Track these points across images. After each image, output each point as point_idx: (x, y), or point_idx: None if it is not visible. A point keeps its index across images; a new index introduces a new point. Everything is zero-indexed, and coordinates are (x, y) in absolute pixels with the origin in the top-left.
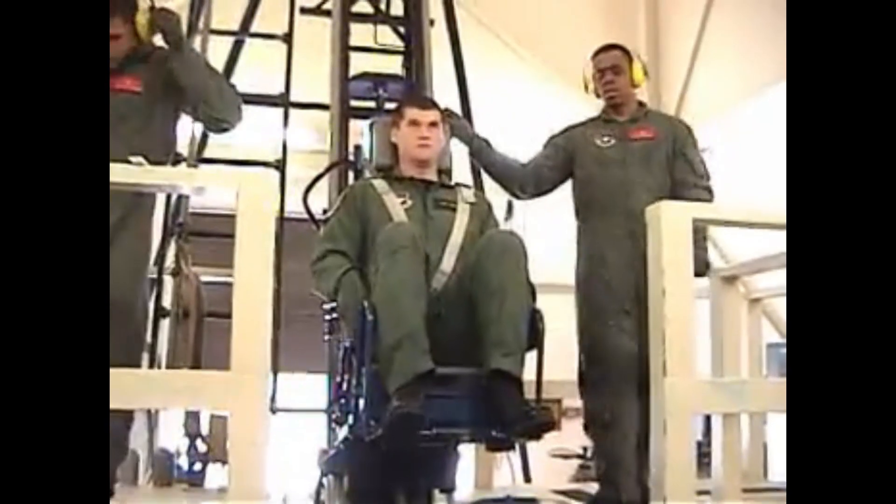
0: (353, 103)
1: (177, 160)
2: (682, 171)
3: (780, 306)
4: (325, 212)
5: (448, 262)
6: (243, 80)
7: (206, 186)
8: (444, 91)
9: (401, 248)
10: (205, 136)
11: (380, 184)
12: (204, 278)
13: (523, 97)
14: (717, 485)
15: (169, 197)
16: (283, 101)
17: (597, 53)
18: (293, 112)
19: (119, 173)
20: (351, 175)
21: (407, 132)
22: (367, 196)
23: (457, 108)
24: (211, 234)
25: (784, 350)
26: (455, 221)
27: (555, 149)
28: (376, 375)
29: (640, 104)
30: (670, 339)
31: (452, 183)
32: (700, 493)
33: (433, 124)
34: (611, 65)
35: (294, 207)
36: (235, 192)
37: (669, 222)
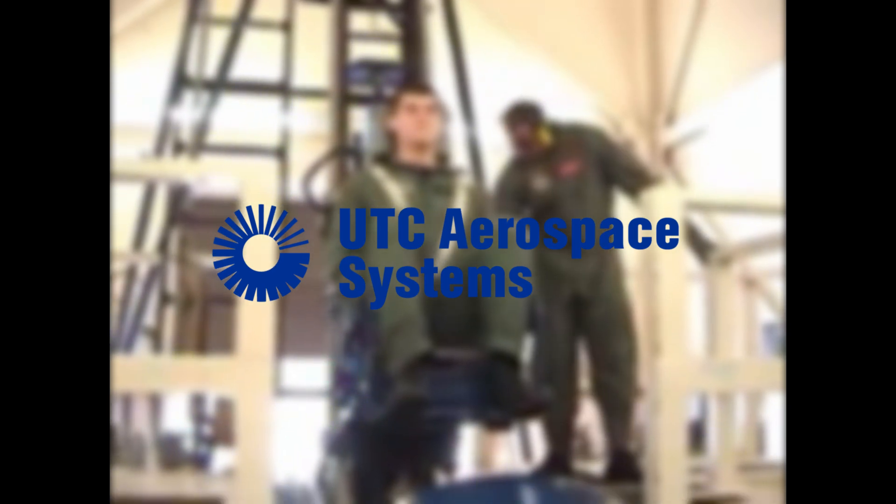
0: (352, 90)
1: (178, 148)
2: (628, 182)
3: (775, 287)
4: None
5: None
6: (243, 67)
7: (208, 177)
8: (443, 78)
9: (394, 235)
10: (206, 123)
11: (378, 172)
12: (208, 264)
13: (521, 83)
14: (712, 462)
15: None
16: (282, 89)
17: (512, 121)
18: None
19: (125, 165)
20: (352, 162)
21: (405, 118)
22: (367, 186)
23: (455, 94)
24: (214, 222)
25: (779, 331)
26: (453, 206)
27: (505, 200)
28: (377, 358)
29: (550, 130)
30: (663, 321)
31: (450, 168)
32: (695, 470)
33: (430, 109)
34: (523, 141)
35: (296, 193)
36: (238, 182)
37: (662, 206)
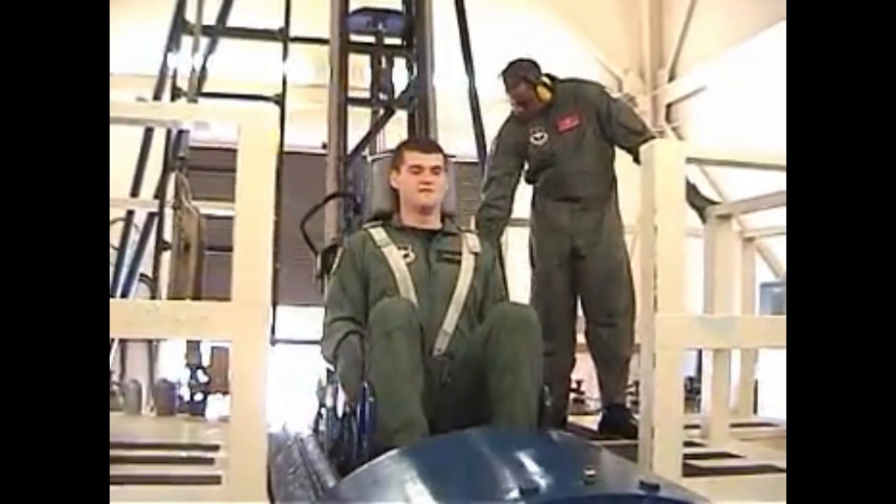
0: (353, 38)
1: (176, 94)
2: (626, 139)
3: (774, 245)
4: (330, 250)
5: (451, 321)
6: (243, 15)
7: (207, 122)
8: (444, 30)
9: (396, 328)
10: (204, 70)
11: (379, 235)
12: (204, 211)
13: (524, 38)
14: (706, 418)
15: (169, 131)
16: (282, 36)
17: (506, 84)
18: (293, 46)
19: (122, 109)
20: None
21: (408, 178)
22: (367, 250)
23: (457, 48)
24: (211, 168)
25: (777, 289)
26: (459, 277)
27: (505, 155)
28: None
29: (549, 86)
30: (661, 276)
31: (455, 229)
32: (689, 426)
33: (436, 169)
34: (523, 100)
35: (293, 141)
36: (237, 127)
37: (662, 161)
